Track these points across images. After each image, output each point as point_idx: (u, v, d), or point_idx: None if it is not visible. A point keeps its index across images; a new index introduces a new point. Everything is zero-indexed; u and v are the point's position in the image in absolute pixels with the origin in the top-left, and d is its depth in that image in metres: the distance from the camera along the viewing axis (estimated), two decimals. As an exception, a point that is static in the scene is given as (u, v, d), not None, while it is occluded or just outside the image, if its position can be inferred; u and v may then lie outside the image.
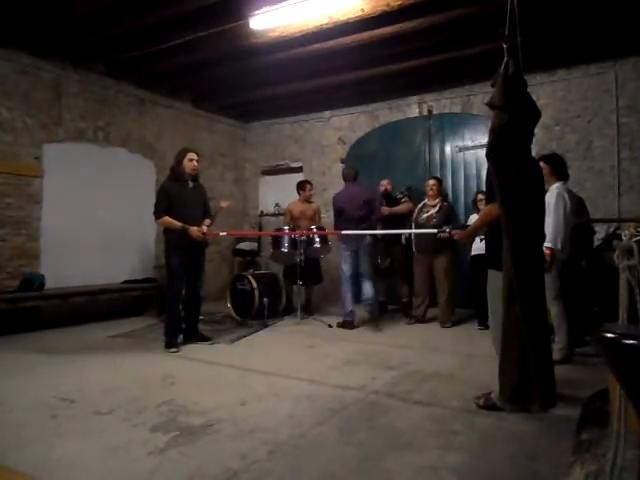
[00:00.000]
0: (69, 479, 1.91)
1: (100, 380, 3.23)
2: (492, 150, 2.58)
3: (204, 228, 4.31)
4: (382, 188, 5.92)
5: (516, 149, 2.53)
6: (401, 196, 5.90)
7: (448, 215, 5.31)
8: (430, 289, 5.39)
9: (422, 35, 4.76)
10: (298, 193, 6.20)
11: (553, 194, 3.56)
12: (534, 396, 2.48)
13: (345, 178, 5.58)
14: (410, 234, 5.50)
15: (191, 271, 4.29)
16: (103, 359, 3.83)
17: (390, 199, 5.86)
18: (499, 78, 2.55)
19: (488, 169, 2.75)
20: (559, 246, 3.48)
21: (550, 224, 3.37)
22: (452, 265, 5.23)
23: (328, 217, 6.74)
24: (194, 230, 4.12)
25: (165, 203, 4.17)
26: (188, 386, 3.12)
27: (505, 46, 2.52)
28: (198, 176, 4.40)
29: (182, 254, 4.18)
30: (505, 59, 2.53)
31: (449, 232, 3.22)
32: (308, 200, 6.19)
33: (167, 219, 4.15)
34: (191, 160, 4.27)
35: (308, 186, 6.18)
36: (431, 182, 5.46)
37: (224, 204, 4.78)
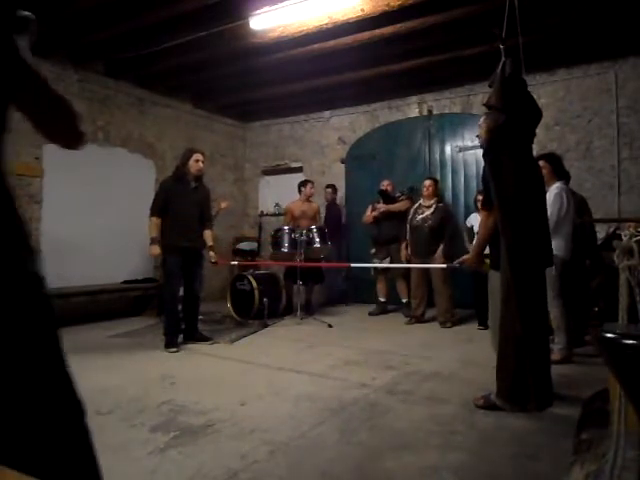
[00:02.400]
0: (69, 479, 1.91)
1: (100, 380, 3.22)
2: (489, 151, 2.59)
3: (211, 254, 4.47)
4: (382, 187, 5.94)
5: (514, 150, 2.54)
6: (399, 194, 5.92)
7: (443, 217, 5.29)
8: (426, 290, 5.40)
9: (422, 35, 4.76)
10: (299, 191, 6.23)
11: (552, 194, 3.56)
12: (530, 396, 2.49)
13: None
14: (406, 236, 5.50)
15: (188, 272, 4.30)
16: (103, 359, 3.83)
17: (388, 198, 5.87)
18: (496, 79, 2.55)
19: (484, 170, 2.75)
20: None
21: None
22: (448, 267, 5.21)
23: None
24: (151, 248, 4.18)
25: (160, 203, 4.21)
26: (188, 386, 3.12)
27: (502, 47, 2.53)
28: (202, 177, 4.41)
29: (177, 255, 4.19)
30: (502, 60, 2.53)
31: (459, 265, 3.15)
32: (309, 199, 6.22)
33: (153, 223, 4.20)
34: (197, 161, 4.27)
35: (309, 184, 6.23)
36: (427, 182, 5.46)
37: (223, 204, 4.78)
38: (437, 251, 5.18)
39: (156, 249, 4.14)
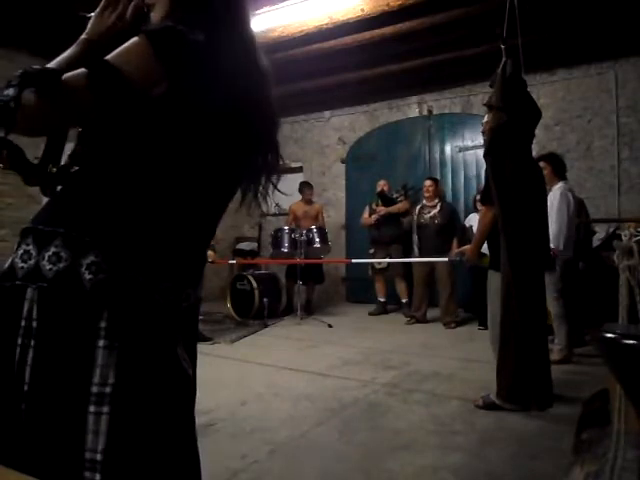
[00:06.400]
0: (69, 479, 1.91)
1: (100, 380, 3.22)
2: (490, 151, 2.59)
3: (209, 253, 4.39)
4: (379, 188, 5.94)
5: (515, 150, 2.54)
6: (397, 195, 5.93)
7: (450, 215, 5.32)
8: (428, 290, 5.39)
9: (422, 35, 4.76)
10: (300, 192, 6.28)
11: (556, 194, 3.56)
12: (530, 396, 2.49)
13: None
14: (413, 236, 5.50)
15: None
16: (103, 359, 3.83)
17: (386, 199, 5.87)
18: (497, 79, 2.56)
19: (486, 169, 2.75)
20: (562, 246, 3.47)
21: (553, 224, 3.35)
22: (454, 266, 5.21)
23: (327, 216, 6.77)
24: None
25: None
26: (188, 386, 3.11)
27: (503, 47, 2.54)
28: None
29: None
30: (503, 60, 2.54)
31: (460, 256, 3.22)
32: (309, 201, 6.23)
33: None
34: None
35: (306, 190, 6.25)
36: (427, 183, 5.47)
37: None
38: (451, 248, 5.06)
39: None
